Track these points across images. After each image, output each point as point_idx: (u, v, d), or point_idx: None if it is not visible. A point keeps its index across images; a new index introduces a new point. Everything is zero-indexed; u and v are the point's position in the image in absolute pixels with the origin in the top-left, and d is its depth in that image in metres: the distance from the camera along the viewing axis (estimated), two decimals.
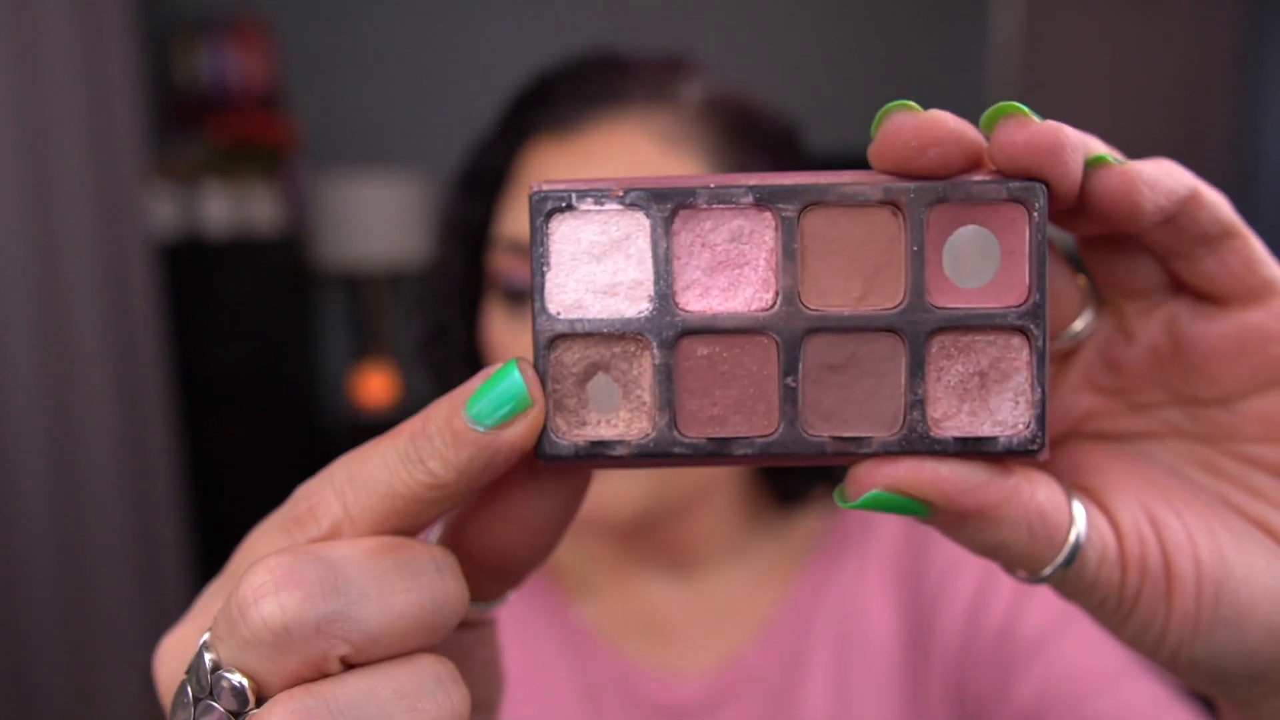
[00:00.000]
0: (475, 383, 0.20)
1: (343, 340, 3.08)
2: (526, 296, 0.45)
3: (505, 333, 0.48)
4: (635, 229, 0.21)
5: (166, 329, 2.33)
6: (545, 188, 0.21)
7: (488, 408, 0.20)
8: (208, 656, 0.19)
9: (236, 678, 0.19)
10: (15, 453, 1.67)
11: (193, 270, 2.39)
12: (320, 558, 0.19)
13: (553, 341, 0.21)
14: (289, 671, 0.19)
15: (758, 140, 0.50)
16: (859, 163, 0.22)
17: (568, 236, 0.21)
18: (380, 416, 2.66)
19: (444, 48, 3.04)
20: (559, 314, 0.21)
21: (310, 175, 2.89)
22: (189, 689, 0.20)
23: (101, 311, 1.92)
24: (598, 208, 0.21)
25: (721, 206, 0.21)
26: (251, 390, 2.45)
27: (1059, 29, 3.50)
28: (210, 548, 2.45)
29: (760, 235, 0.21)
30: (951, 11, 3.42)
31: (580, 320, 0.21)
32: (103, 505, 1.92)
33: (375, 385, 2.70)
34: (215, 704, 0.19)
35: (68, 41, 1.82)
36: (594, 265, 0.21)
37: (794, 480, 0.54)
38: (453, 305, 0.54)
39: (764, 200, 0.21)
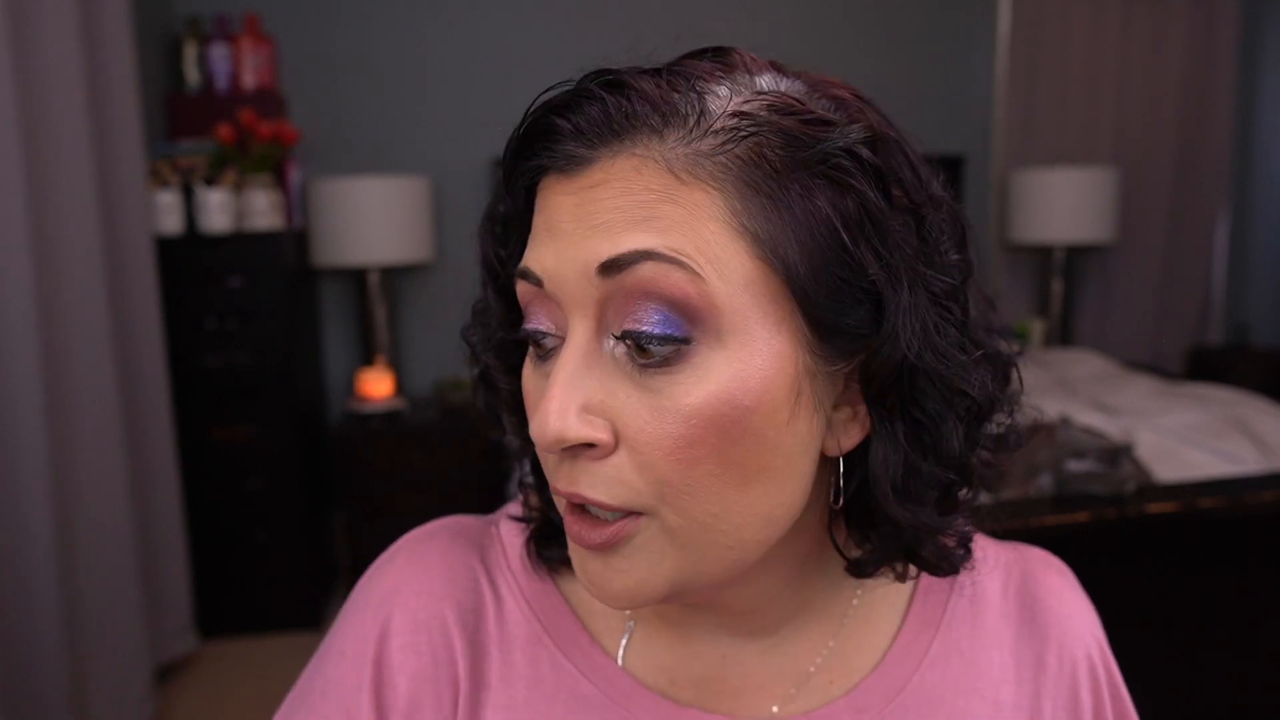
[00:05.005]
0: None
1: (342, 339, 3.08)
2: (537, 341, 0.43)
3: (532, 383, 0.44)
4: None
5: (166, 328, 2.33)
6: None
7: None
8: None
9: None
10: (15, 452, 1.67)
11: (193, 270, 2.39)
12: None
13: None
14: None
15: (812, 158, 0.39)
16: None
17: None
18: (379, 415, 2.66)
19: (441, 51, 3.04)
20: None
21: (310, 175, 2.89)
22: None
23: (102, 311, 1.92)
24: None
25: None
26: (251, 389, 2.45)
27: (1061, 28, 3.50)
28: (209, 545, 2.46)
29: None
30: (957, 5, 3.42)
31: None
32: (103, 504, 1.92)
33: (374, 384, 2.71)
34: None
35: (69, 42, 1.82)
36: None
37: (858, 555, 0.49)
38: (490, 351, 0.50)
39: None
